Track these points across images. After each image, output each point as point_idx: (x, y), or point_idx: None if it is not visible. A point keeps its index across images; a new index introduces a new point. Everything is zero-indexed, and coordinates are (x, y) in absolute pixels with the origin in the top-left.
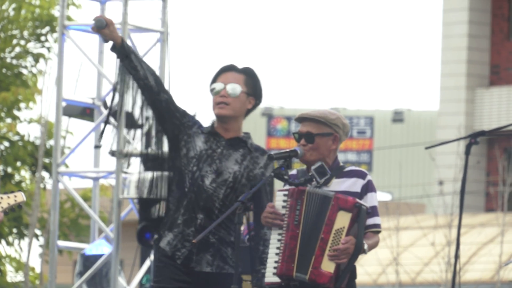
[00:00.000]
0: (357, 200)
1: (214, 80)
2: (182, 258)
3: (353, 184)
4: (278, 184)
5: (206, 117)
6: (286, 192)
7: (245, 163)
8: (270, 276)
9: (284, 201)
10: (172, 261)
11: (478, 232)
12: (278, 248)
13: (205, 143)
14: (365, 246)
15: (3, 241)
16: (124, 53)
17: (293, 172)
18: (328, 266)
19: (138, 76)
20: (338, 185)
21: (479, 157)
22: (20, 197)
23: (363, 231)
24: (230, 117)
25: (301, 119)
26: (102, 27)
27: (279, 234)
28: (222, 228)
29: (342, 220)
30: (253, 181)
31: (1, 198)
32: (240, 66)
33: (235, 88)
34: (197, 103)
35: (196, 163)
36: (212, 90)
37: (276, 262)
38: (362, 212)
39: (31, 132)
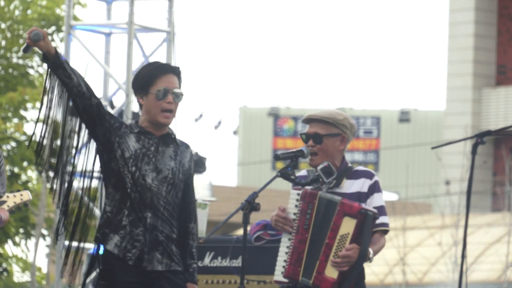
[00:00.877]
0: (363, 206)
1: (154, 82)
2: (134, 258)
3: (362, 185)
4: (287, 184)
5: (213, 114)
6: (300, 192)
7: (178, 158)
8: (278, 275)
9: (297, 200)
10: (122, 262)
11: (484, 232)
12: (287, 247)
13: (137, 142)
14: (371, 254)
15: (9, 241)
16: (59, 63)
17: (303, 172)
18: (331, 272)
19: (72, 84)
20: (350, 186)
21: (485, 157)
22: (26, 195)
23: (370, 237)
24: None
25: (309, 120)
26: (39, 40)
27: (290, 233)
28: (167, 225)
29: (347, 226)
30: (185, 175)
31: (7, 197)
32: (172, 65)
33: (180, 95)
34: (203, 102)
35: (134, 163)
36: (156, 94)
37: (285, 261)
38: (368, 218)
39: (37, 132)
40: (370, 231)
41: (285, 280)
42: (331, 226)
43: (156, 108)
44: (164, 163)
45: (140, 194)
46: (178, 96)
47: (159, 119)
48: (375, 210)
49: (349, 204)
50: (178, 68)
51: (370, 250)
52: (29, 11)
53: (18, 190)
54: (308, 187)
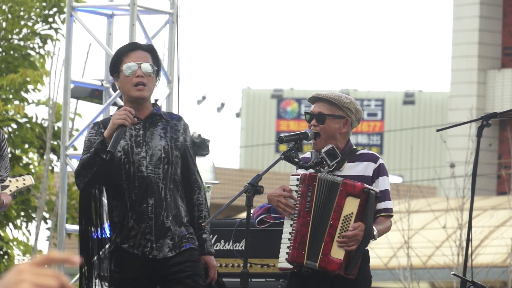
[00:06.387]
0: (365, 185)
1: (120, 60)
2: (151, 250)
3: (365, 168)
4: (290, 167)
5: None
6: (299, 176)
7: (169, 134)
8: (283, 262)
9: (297, 185)
10: (134, 255)
11: (490, 215)
12: (290, 233)
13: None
14: (375, 232)
15: (10, 224)
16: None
17: (308, 154)
18: (337, 253)
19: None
20: (351, 169)
21: (491, 139)
22: (29, 180)
23: (373, 216)
24: (147, 98)
25: (314, 99)
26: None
27: (292, 220)
28: (173, 207)
29: (351, 206)
30: (180, 149)
31: (10, 181)
32: (140, 43)
33: (148, 67)
34: (206, 84)
35: (126, 161)
36: (124, 70)
37: (288, 247)
38: (371, 197)
39: (39, 114)
40: (373, 210)
41: (290, 266)
42: (334, 207)
43: (128, 84)
44: (155, 144)
45: (138, 187)
46: (147, 69)
47: (132, 93)
48: (377, 189)
49: (352, 184)
50: (150, 45)
51: (374, 228)
52: None
53: (21, 175)
54: (311, 170)
